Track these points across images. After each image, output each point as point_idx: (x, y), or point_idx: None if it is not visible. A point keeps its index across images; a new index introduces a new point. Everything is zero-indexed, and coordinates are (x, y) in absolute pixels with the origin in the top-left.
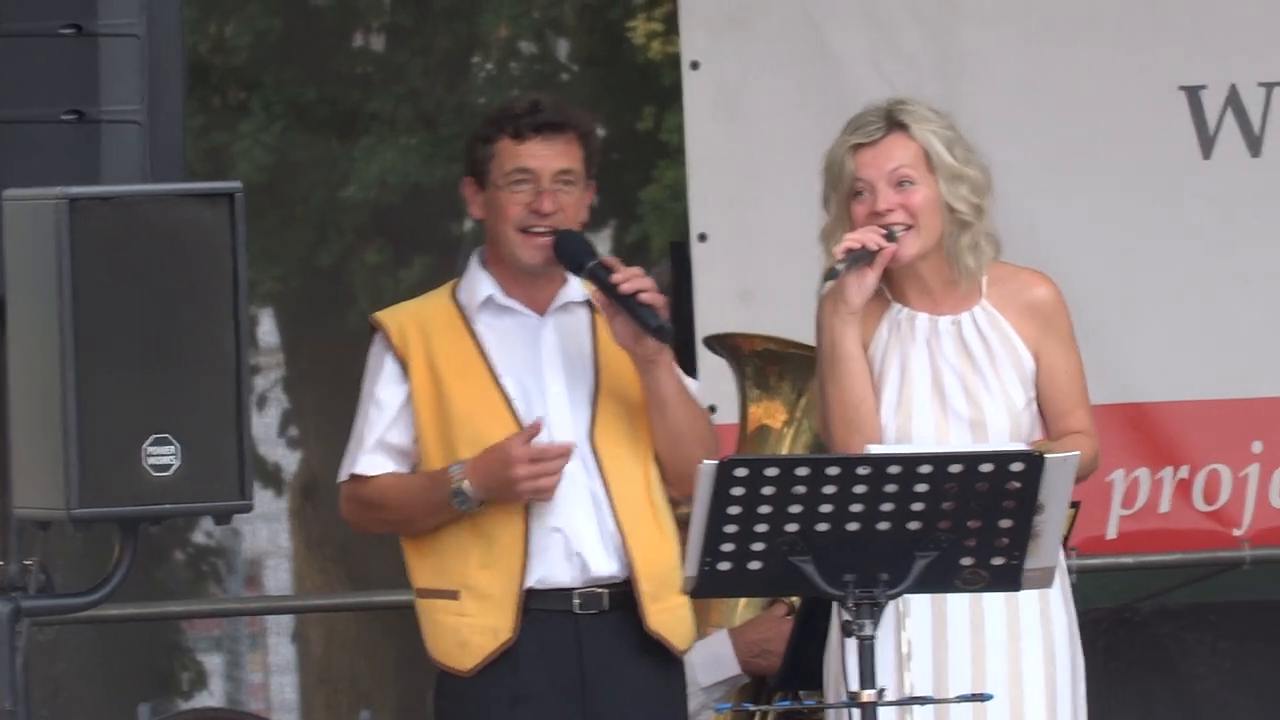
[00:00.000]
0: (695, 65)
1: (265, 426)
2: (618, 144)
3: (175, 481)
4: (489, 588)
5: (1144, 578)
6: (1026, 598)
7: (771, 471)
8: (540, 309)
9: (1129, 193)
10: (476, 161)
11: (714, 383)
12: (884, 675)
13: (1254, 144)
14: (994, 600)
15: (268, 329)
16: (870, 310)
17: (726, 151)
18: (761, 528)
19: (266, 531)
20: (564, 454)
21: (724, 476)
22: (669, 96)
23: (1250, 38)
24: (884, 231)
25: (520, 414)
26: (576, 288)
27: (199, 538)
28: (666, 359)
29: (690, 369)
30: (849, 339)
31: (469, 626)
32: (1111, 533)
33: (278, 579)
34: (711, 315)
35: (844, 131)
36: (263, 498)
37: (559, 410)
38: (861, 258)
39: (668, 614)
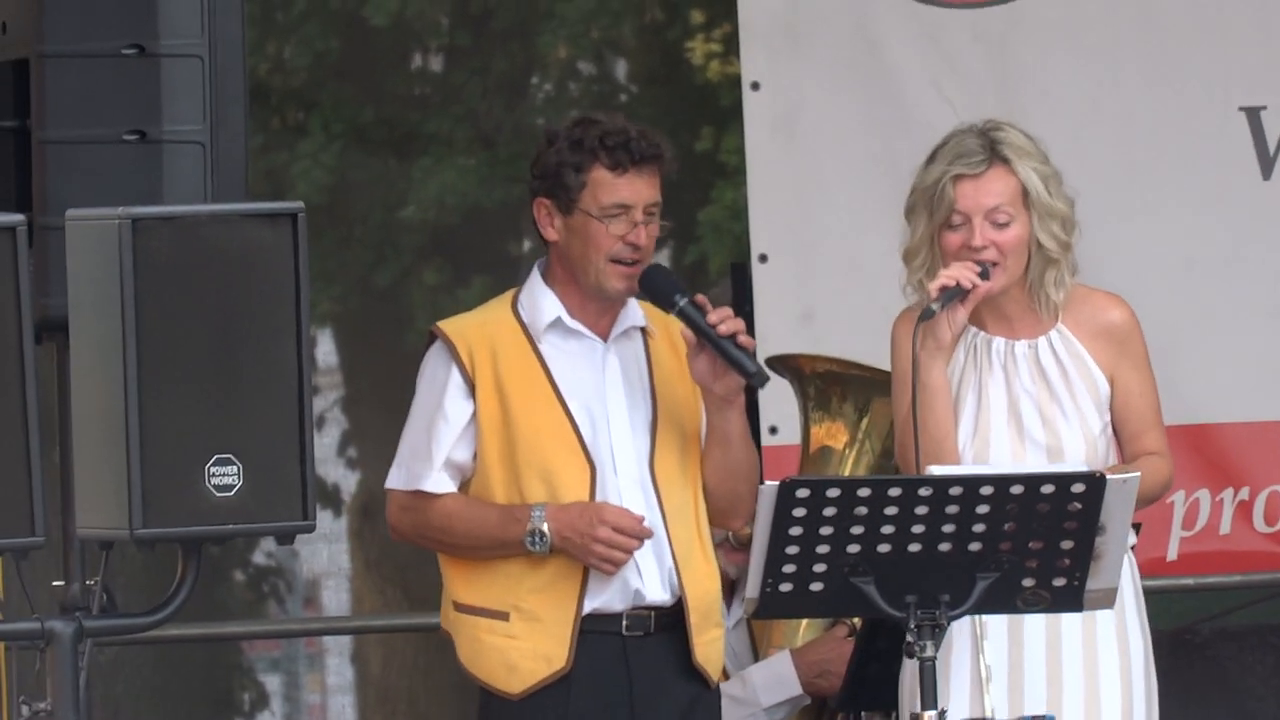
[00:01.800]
0: (755, 86)
1: (324, 447)
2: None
3: (238, 502)
4: (541, 612)
5: (1204, 599)
6: (1104, 619)
7: (833, 493)
8: (604, 333)
9: (1189, 213)
10: (562, 186)
11: (776, 403)
12: (960, 697)
13: None
14: (1071, 621)
15: (326, 349)
16: None
17: (787, 172)
18: (823, 549)
19: (325, 552)
20: (645, 535)
21: (786, 497)
22: (727, 117)
23: None
24: (978, 269)
25: (586, 439)
26: (635, 312)
27: (259, 558)
28: (741, 401)
29: (752, 390)
30: (936, 372)
31: (518, 650)
32: (1172, 554)
33: (337, 599)
34: (773, 336)
35: (943, 155)
36: (321, 518)
37: (621, 437)
38: (955, 295)
39: (710, 646)
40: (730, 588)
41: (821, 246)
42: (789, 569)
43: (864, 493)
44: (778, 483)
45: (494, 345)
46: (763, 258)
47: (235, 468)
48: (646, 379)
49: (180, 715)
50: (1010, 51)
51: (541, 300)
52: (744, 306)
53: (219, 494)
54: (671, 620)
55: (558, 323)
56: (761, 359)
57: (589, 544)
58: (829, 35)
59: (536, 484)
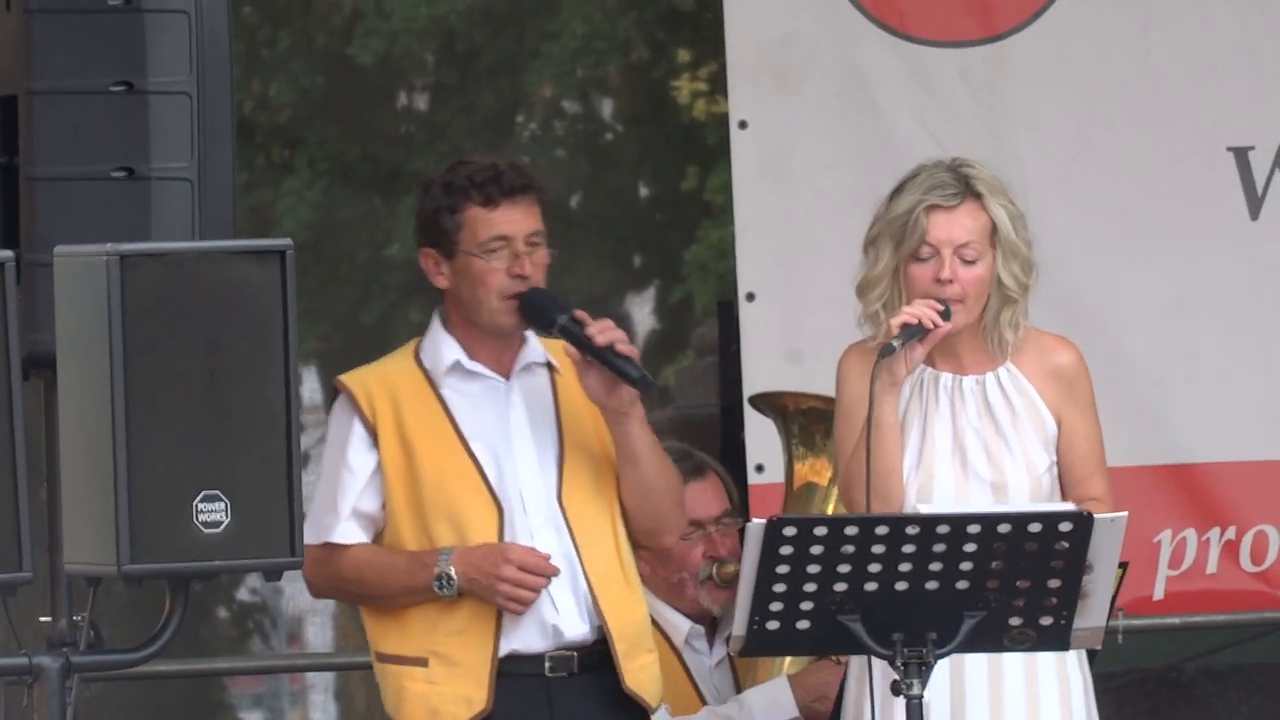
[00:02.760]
0: (743, 125)
1: (309, 484)
2: (661, 204)
3: (225, 538)
4: (459, 655)
5: (1190, 638)
6: (1045, 657)
7: (820, 531)
8: (505, 372)
9: (1176, 252)
10: (441, 231)
11: (762, 443)
12: None
13: None
14: (1013, 659)
15: (311, 387)
16: None
17: (774, 211)
18: (810, 587)
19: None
20: (550, 574)
21: (773, 536)
22: (713, 156)
23: None
24: (940, 308)
25: (491, 480)
26: (536, 348)
27: (243, 595)
28: (639, 413)
29: (737, 428)
30: (887, 408)
31: (439, 695)
32: (1159, 593)
33: (321, 636)
34: (759, 374)
35: (915, 187)
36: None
37: (528, 474)
38: (916, 332)
39: (641, 672)
40: (713, 625)
41: (809, 285)
42: (776, 607)
43: (851, 531)
44: (764, 521)
45: (394, 393)
46: (750, 296)
47: (223, 504)
48: (552, 413)
49: None
50: (998, 90)
51: (440, 346)
52: (731, 345)
53: (206, 530)
54: (596, 659)
55: (456, 366)
56: (747, 396)
57: (494, 584)
58: (817, 74)
59: (444, 528)
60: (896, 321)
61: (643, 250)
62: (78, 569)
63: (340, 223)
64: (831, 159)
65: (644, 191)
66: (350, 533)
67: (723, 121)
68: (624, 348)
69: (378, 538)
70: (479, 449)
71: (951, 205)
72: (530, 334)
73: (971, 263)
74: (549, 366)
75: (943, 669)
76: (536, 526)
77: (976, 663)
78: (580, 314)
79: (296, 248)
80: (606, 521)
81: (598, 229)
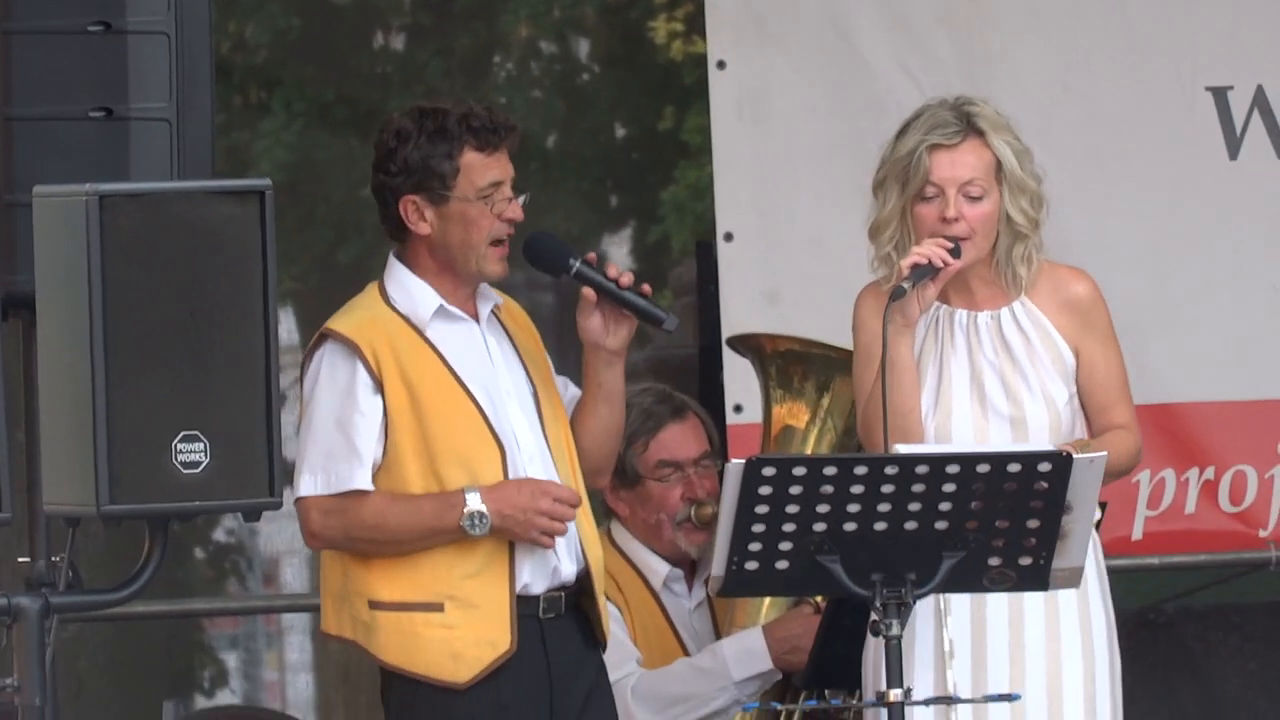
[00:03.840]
0: (721, 65)
1: (285, 425)
2: (638, 144)
3: (204, 479)
4: (477, 597)
5: (1169, 579)
6: (1066, 597)
7: (799, 471)
8: (474, 315)
9: (1156, 194)
10: (435, 177)
11: (740, 383)
12: (924, 674)
13: None
14: (1034, 600)
15: (288, 328)
16: None
17: (752, 151)
18: (789, 527)
19: (285, 530)
20: (578, 504)
21: (752, 476)
22: (690, 96)
23: (1277, 38)
24: (950, 246)
25: (491, 420)
26: (490, 292)
27: (219, 536)
28: (624, 356)
29: (715, 368)
30: (902, 348)
31: (460, 639)
32: (1137, 534)
33: (297, 577)
34: (737, 315)
35: (918, 127)
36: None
37: (516, 412)
38: (927, 273)
39: (603, 610)
40: (691, 568)
41: (787, 225)
42: (755, 547)
43: (830, 471)
44: (744, 461)
45: (391, 340)
46: (728, 236)
47: (202, 444)
48: (515, 352)
49: (142, 692)
50: (977, 33)
51: (416, 291)
52: (709, 285)
53: (186, 471)
54: (574, 599)
55: (441, 310)
56: (726, 337)
57: (532, 518)
58: (795, 15)
59: (455, 470)
60: (906, 263)
61: (619, 190)
62: (57, 510)
63: (317, 163)
64: (810, 101)
65: (620, 132)
66: (369, 479)
67: (699, 62)
68: (644, 288)
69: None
70: (476, 390)
71: (953, 143)
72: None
73: (977, 199)
74: (494, 310)
75: (963, 611)
76: (530, 464)
77: (998, 604)
78: (592, 256)
79: (273, 188)
80: (570, 459)
81: (574, 169)
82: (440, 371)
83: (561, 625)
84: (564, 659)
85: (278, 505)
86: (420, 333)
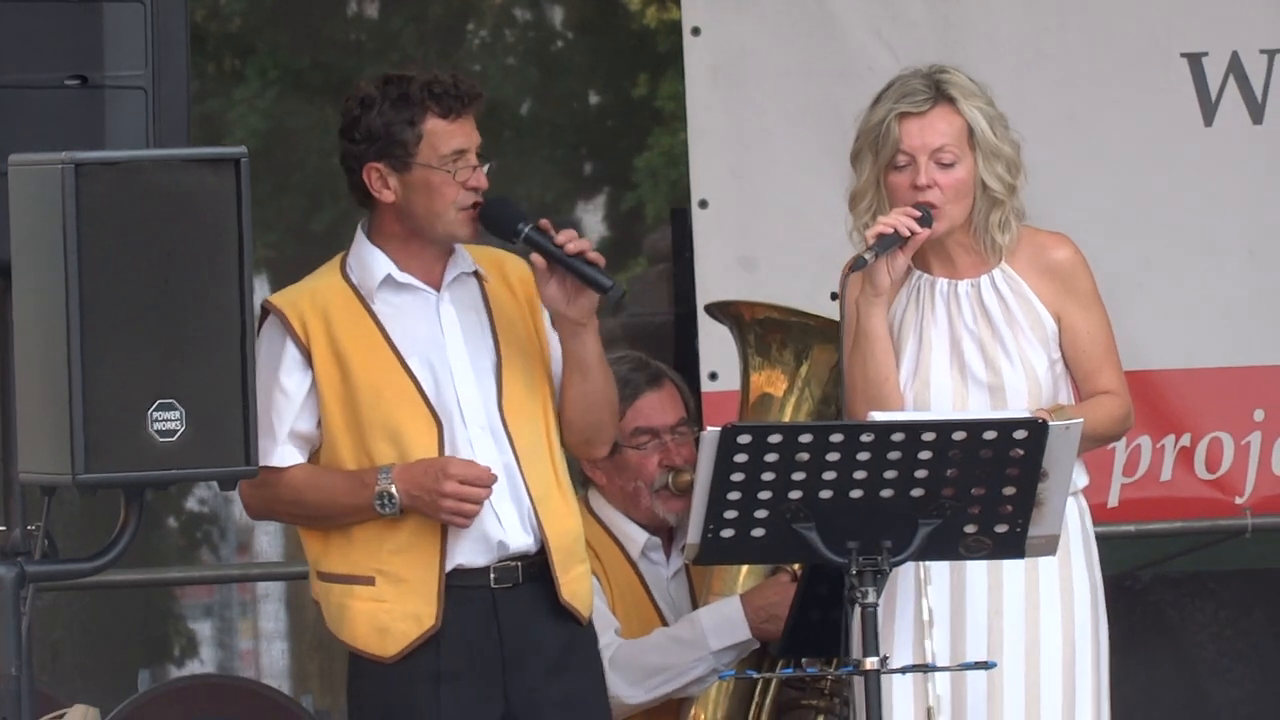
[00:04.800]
0: (696, 31)
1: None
2: (612, 111)
3: (180, 447)
4: (405, 572)
5: (1145, 546)
6: (1047, 566)
7: (775, 438)
8: (435, 283)
9: (1131, 160)
10: (397, 144)
11: (715, 350)
12: (904, 643)
13: (1256, 111)
14: (1013, 566)
15: (262, 295)
16: None
17: (727, 118)
18: (765, 495)
19: None
20: (490, 482)
21: (727, 443)
22: (664, 63)
23: (1252, 4)
24: (918, 214)
25: (429, 394)
26: (465, 258)
27: (192, 504)
28: (594, 323)
29: (691, 335)
30: (875, 319)
31: (388, 613)
32: (1113, 501)
33: (272, 546)
34: (712, 282)
35: (888, 95)
36: None
37: (466, 386)
38: (894, 242)
39: (575, 583)
40: (669, 536)
41: (762, 192)
42: (730, 515)
43: (806, 439)
44: (719, 428)
45: (326, 311)
46: (703, 203)
47: (178, 413)
48: (487, 323)
49: (117, 661)
50: None
51: (369, 260)
52: (684, 252)
53: (161, 439)
54: (537, 569)
55: (388, 280)
56: (701, 305)
57: (437, 500)
58: None
59: (384, 445)
60: (872, 232)
61: (594, 157)
62: (32, 478)
63: (291, 131)
64: (784, 67)
65: (595, 99)
66: (287, 455)
67: (673, 29)
68: (594, 255)
69: (313, 457)
70: (415, 363)
71: (922, 111)
72: (458, 244)
73: (949, 166)
74: (477, 275)
75: (943, 581)
76: (476, 438)
77: (977, 573)
78: (544, 222)
79: (248, 156)
80: (542, 431)
81: (548, 136)
82: (377, 343)
83: (518, 595)
84: (519, 631)
85: (254, 473)
86: (366, 304)
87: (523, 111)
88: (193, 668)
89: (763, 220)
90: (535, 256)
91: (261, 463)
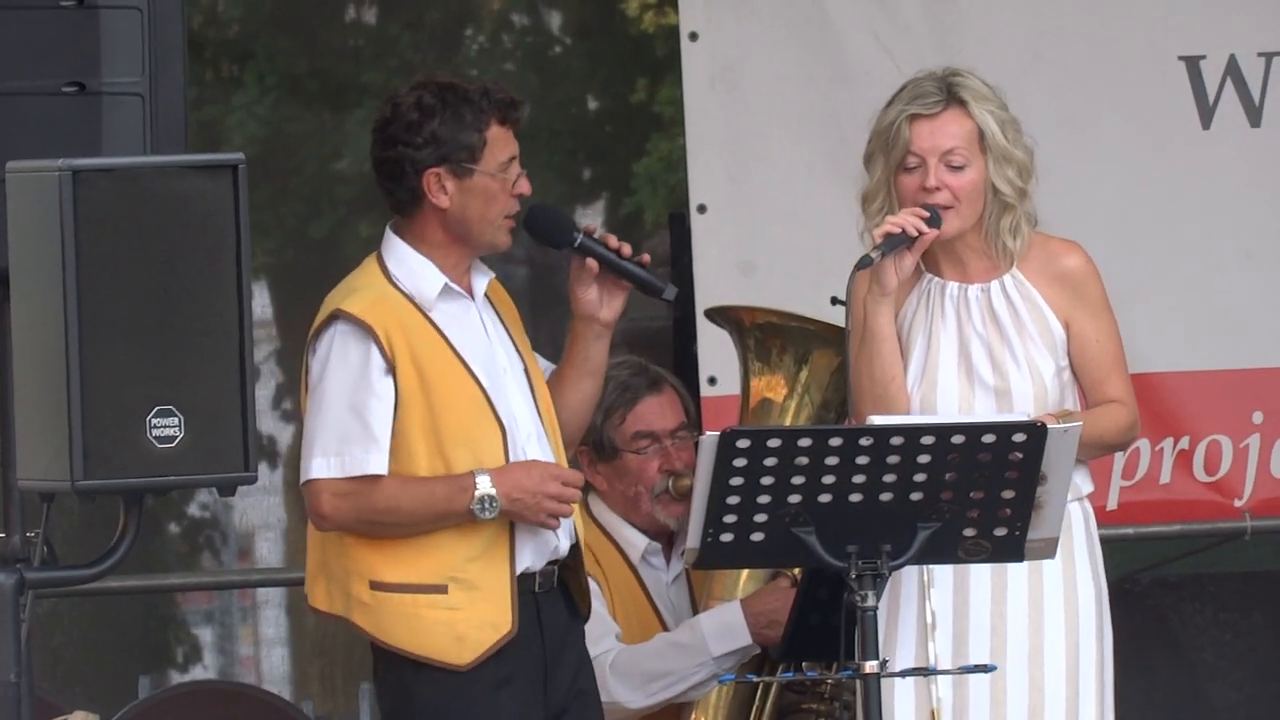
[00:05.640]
0: (694, 36)
1: (259, 400)
2: (611, 116)
3: (179, 453)
4: (479, 579)
5: (1144, 549)
6: (1050, 570)
7: (774, 443)
8: (470, 291)
9: (1128, 163)
10: (463, 149)
11: (714, 354)
12: (906, 646)
13: (1254, 114)
14: (1017, 569)
15: (261, 302)
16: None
17: (725, 122)
18: (764, 499)
19: (260, 505)
20: (581, 484)
21: (727, 447)
22: (662, 68)
23: (1249, 7)
24: (926, 215)
25: (493, 401)
26: (484, 267)
27: (193, 510)
28: (613, 329)
29: (689, 340)
30: (881, 319)
31: (464, 621)
32: (1112, 504)
33: (272, 551)
34: (711, 286)
35: (900, 97)
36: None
37: (514, 392)
38: (901, 242)
39: (586, 583)
40: (669, 541)
41: (760, 197)
42: (730, 519)
43: (805, 443)
44: (719, 433)
45: (401, 321)
46: (701, 208)
47: (177, 419)
48: (506, 331)
49: (117, 668)
50: (949, 1)
51: (420, 269)
52: (683, 257)
53: (160, 445)
54: (565, 571)
55: (445, 289)
56: (700, 310)
57: (541, 501)
58: None
59: (462, 452)
60: (879, 232)
61: (592, 163)
62: (31, 485)
63: (289, 137)
64: (783, 71)
65: (593, 104)
66: (383, 463)
67: (671, 34)
68: (643, 257)
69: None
70: (478, 371)
71: (933, 113)
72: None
73: (960, 169)
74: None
75: (946, 584)
76: (528, 444)
77: (980, 577)
78: (591, 226)
79: (246, 162)
80: (558, 436)
81: (547, 142)
82: (445, 352)
83: (553, 600)
84: (556, 631)
85: (253, 480)
86: (425, 313)
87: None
88: (193, 674)
89: (761, 225)
90: (589, 261)
91: (363, 471)
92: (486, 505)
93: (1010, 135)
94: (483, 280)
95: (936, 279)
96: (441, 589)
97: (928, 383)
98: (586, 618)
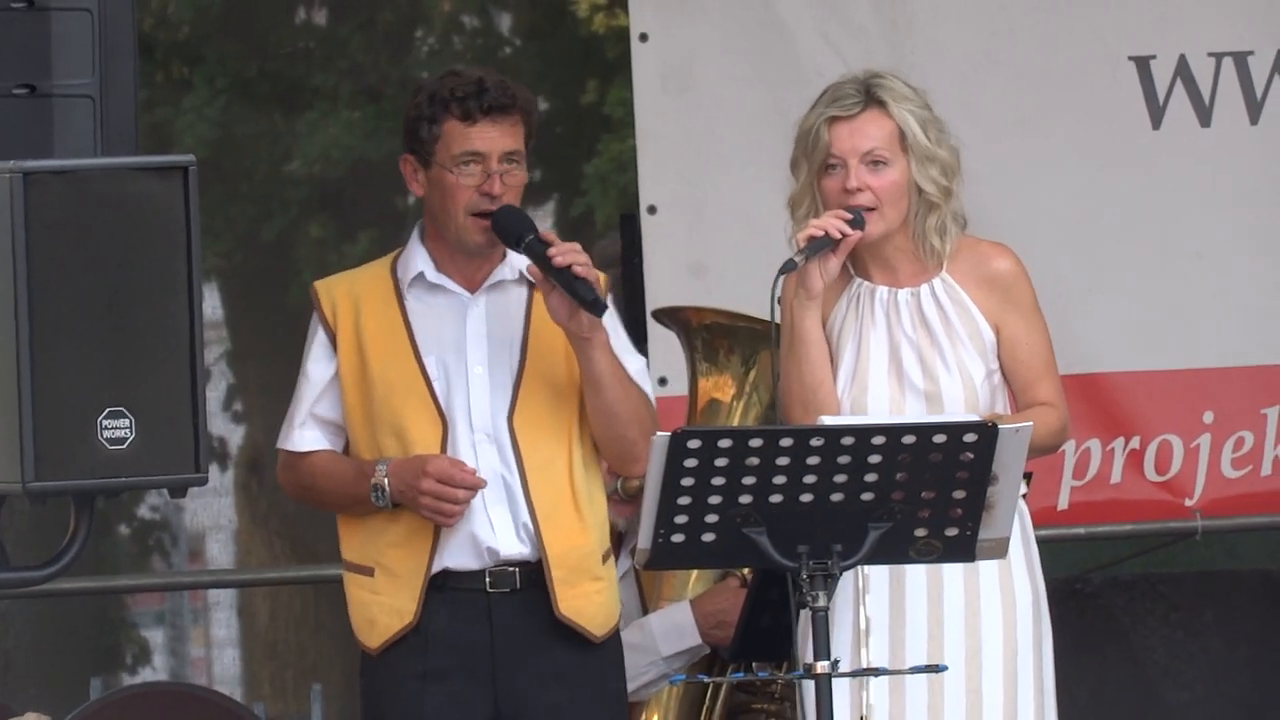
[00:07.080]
0: (644, 37)
1: (210, 401)
2: (561, 118)
3: (130, 454)
4: (398, 567)
5: (1095, 549)
6: (987, 570)
7: (725, 443)
8: (473, 287)
9: (1079, 163)
10: (420, 140)
11: (664, 355)
12: (842, 650)
13: (1204, 114)
14: (953, 572)
15: (212, 304)
16: (831, 284)
17: (676, 124)
18: (715, 499)
19: (211, 506)
20: (473, 486)
21: (677, 448)
22: (613, 70)
23: (1199, 8)
24: (849, 217)
25: (439, 393)
26: (513, 265)
27: (144, 512)
28: (601, 338)
29: (640, 341)
30: (808, 323)
31: (378, 605)
32: (1063, 503)
33: (223, 553)
34: (661, 288)
35: (820, 101)
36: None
37: (478, 392)
38: (824, 245)
39: (582, 599)
40: (618, 540)
41: (711, 198)
42: (681, 520)
43: (756, 443)
44: (669, 433)
45: (359, 300)
46: (652, 209)
47: (127, 420)
48: (520, 332)
49: (69, 669)
50: (900, 3)
51: (413, 257)
52: (633, 258)
53: (111, 447)
54: (538, 575)
55: (420, 278)
56: (650, 310)
57: (415, 496)
58: None
59: (390, 439)
60: (802, 235)
61: (543, 164)
62: None
63: (240, 139)
64: (733, 72)
65: (543, 105)
66: (306, 440)
67: (622, 35)
68: (582, 270)
69: (346, 446)
70: (430, 362)
71: (852, 114)
72: (511, 251)
73: (881, 169)
74: (527, 284)
75: (882, 588)
76: (480, 444)
77: (916, 579)
78: (547, 234)
79: (197, 164)
80: (560, 446)
81: None
82: (398, 338)
83: (515, 602)
84: (514, 635)
85: (203, 481)
86: (400, 298)
87: None
88: (145, 675)
89: (712, 226)
90: (531, 267)
91: (284, 447)
92: (379, 494)
93: (933, 134)
94: (497, 276)
95: (866, 283)
96: (369, 571)
97: (858, 386)
98: (586, 636)
